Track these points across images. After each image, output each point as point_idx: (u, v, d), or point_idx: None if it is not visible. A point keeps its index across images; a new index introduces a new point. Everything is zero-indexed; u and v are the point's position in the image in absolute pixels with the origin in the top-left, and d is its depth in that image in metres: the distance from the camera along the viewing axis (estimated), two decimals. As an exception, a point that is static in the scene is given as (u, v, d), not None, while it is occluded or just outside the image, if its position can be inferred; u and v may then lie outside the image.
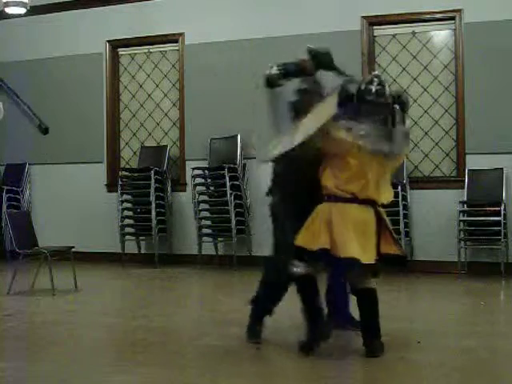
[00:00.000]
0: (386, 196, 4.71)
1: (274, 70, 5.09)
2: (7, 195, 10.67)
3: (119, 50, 10.80)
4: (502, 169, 8.61)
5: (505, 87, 8.63)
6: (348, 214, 4.57)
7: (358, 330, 4.80)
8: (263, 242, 9.63)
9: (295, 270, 4.66)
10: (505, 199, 8.49)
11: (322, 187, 4.65)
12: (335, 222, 4.53)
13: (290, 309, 6.16)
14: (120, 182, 10.13)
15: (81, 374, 4.34)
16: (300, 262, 4.65)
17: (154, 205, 9.76)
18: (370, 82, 4.63)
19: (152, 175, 9.79)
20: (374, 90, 4.60)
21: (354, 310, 4.87)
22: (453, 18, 8.93)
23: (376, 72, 5.07)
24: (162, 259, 9.74)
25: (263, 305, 5.17)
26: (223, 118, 9.79)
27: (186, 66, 10.20)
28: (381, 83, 4.66)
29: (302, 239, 4.60)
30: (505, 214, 8.39)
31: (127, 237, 10.19)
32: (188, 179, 9.88)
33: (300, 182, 4.78)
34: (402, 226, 8.65)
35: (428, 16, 9.05)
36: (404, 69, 9.25)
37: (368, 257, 4.50)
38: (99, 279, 8.88)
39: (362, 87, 4.62)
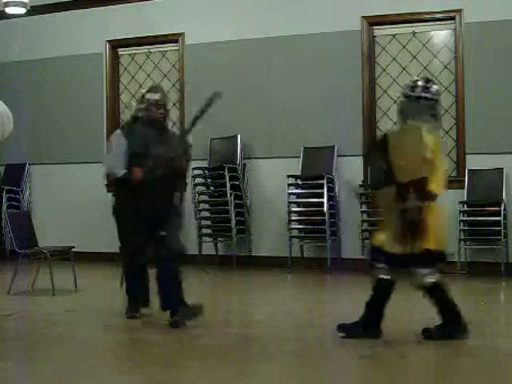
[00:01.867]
0: None
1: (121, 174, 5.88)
2: (7, 195, 10.67)
3: (119, 49, 10.80)
4: (502, 169, 8.61)
5: (505, 87, 8.63)
6: None
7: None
8: (263, 242, 9.74)
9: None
10: (505, 199, 8.49)
11: (432, 191, 4.92)
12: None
13: (291, 309, 6.17)
14: (120, 182, 10.12)
15: (81, 374, 4.34)
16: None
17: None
18: (428, 83, 5.12)
19: (152, 175, 9.80)
20: (434, 90, 5.11)
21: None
22: (453, 18, 8.93)
23: (418, 77, 5.44)
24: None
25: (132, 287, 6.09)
26: (223, 118, 9.78)
27: (186, 66, 10.20)
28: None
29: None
30: (505, 214, 8.40)
31: (127, 237, 10.17)
32: (188, 179, 9.87)
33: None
34: (402, 226, 8.65)
35: (428, 16, 9.05)
36: (404, 69, 9.25)
37: None
38: (99, 279, 8.88)
39: (422, 91, 5.07)
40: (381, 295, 5.12)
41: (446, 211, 5.19)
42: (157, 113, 5.95)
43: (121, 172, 5.85)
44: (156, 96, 5.95)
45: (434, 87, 5.12)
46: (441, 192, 4.98)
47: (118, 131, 6.16)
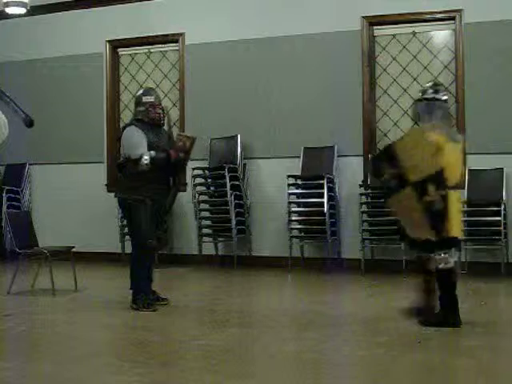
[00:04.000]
0: None
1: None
2: (7, 195, 10.67)
3: (119, 50, 10.80)
4: (502, 169, 8.61)
5: (505, 87, 8.63)
6: None
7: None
8: (263, 242, 9.74)
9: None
10: (505, 199, 8.49)
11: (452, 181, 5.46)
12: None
13: (291, 309, 6.17)
14: (120, 182, 10.14)
15: (81, 374, 4.34)
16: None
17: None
18: (437, 87, 5.71)
19: (152, 175, 9.80)
20: (443, 92, 5.72)
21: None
22: (453, 18, 8.93)
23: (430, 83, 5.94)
24: (162, 259, 9.73)
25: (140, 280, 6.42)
26: (223, 118, 9.79)
27: (186, 66, 10.21)
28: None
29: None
30: (505, 214, 8.40)
31: (127, 237, 10.18)
32: (188, 179, 9.88)
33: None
34: (402, 226, 8.65)
35: (428, 16, 9.05)
36: (404, 69, 9.25)
37: None
38: (99, 279, 8.88)
39: (432, 93, 5.63)
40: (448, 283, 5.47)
41: (459, 198, 5.63)
42: (154, 113, 6.50)
43: (152, 153, 6.30)
44: (152, 98, 6.52)
45: (443, 90, 5.72)
46: (457, 181, 5.54)
47: (133, 126, 6.50)
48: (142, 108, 6.51)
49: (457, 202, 5.53)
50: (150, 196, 6.37)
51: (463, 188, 6.12)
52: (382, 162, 5.62)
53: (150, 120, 6.48)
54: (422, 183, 5.35)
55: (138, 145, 6.36)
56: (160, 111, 6.55)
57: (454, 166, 5.50)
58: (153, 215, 6.41)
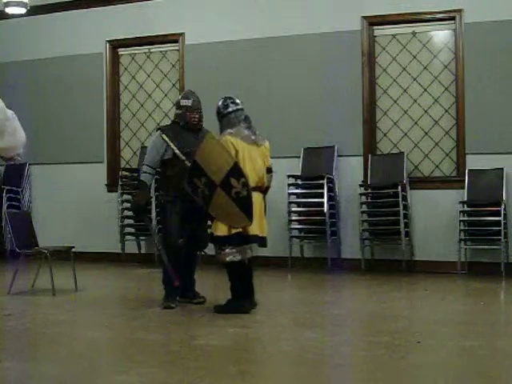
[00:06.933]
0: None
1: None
2: (7, 195, 10.68)
3: (119, 50, 10.80)
4: (502, 169, 8.61)
5: (505, 87, 8.63)
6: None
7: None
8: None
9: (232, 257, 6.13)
10: (505, 199, 8.49)
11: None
12: None
13: (291, 309, 6.17)
14: (120, 182, 10.14)
15: (81, 374, 4.34)
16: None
17: (153, 205, 9.75)
18: (232, 99, 6.26)
19: (152, 175, 9.79)
20: (238, 101, 6.28)
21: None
22: (453, 18, 8.93)
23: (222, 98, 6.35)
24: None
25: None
26: (223, 118, 9.78)
27: (186, 66, 10.21)
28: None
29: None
30: (505, 214, 8.40)
31: (127, 237, 10.20)
32: (188, 179, 9.87)
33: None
34: (402, 226, 8.66)
35: (428, 16, 9.06)
36: (404, 69, 9.25)
37: None
38: (99, 279, 8.88)
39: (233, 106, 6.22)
40: (238, 274, 6.30)
41: (261, 201, 6.23)
42: (190, 117, 6.47)
43: (146, 177, 6.45)
44: (189, 102, 6.48)
45: (237, 100, 6.25)
46: (256, 182, 6.13)
47: (158, 132, 6.54)
48: (179, 111, 6.54)
49: (259, 203, 6.06)
50: (179, 196, 6.32)
51: (265, 192, 6.31)
52: (193, 178, 6.00)
53: (185, 124, 6.49)
54: (225, 180, 5.90)
55: (150, 154, 6.48)
56: (197, 116, 6.50)
57: (250, 165, 6.01)
58: (184, 214, 6.38)
